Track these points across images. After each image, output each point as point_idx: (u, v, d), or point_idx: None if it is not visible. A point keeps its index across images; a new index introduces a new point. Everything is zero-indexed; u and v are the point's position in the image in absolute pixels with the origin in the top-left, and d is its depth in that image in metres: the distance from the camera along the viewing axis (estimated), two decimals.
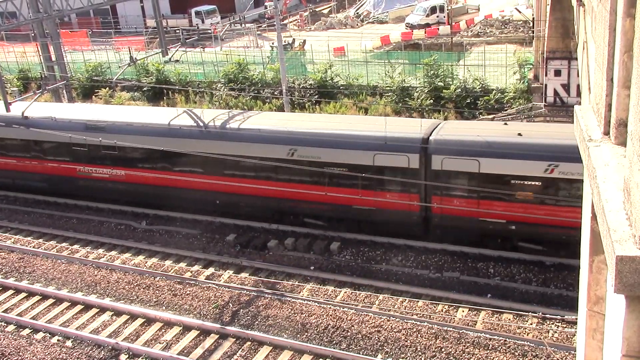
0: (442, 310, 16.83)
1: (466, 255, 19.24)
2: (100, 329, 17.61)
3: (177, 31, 46.95)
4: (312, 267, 19.72)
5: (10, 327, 18.07)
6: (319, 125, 21.47)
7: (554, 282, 17.71)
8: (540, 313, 15.97)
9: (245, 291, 18.54)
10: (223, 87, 37.31)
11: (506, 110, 30.43)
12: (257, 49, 46.47)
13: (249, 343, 16.32)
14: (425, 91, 32.45)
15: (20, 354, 16.72)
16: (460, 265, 18.89)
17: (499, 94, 31.29)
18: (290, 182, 20.86)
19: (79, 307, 18.71)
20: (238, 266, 20.23)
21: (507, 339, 15.32)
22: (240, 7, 63.57)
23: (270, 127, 21.20)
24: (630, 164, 4.10)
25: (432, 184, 18.58)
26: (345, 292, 18.01)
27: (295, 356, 15.69)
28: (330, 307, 17.26)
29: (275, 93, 35.22)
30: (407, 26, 50.45)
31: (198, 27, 51.63)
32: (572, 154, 17.09)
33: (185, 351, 16.29)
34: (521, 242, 18.74)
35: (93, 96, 40.68)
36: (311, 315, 17.00)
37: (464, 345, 15.27)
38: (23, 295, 19.66)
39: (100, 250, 21.98)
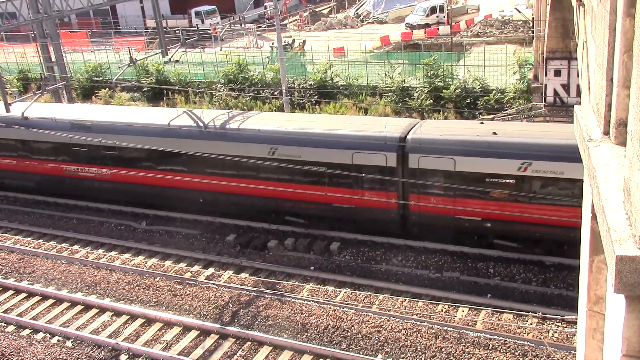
0: (442, 310, 16.84)
1: (466, 255, 19.25)
2: (100, 329, 17.61)
3: (177, 31, 46.83)
4: (312, 267, 19.73)
5: (11, 328, 18.07)
6: (299, 124, 21.64)
7: (554, 282, 17.73)
8: (540, 313, 15.98)
9: (245, 291, 18.54)
10: (223, 88, 37.28)
11: (506, 110, 30.41)
12: (257, 49, 46.43)
13: (249, 343, 16.32)
14: (425, 91, 32.44)
15: (21, 354, 16.72)
16: (460, 265, 18.89)
17: (499, 94, 31.27)
18: (271, 180, 21.05)
19: (79, 308, 18.71)
20: (238, 266, 20.24)
21: (507, 339, 15.32)
22: (240, 7, 63.54)
23: (251, 126, 21.46)
24: (630, 163, 4.10)
25: (409, 181, 18.76)
26: (345, 292, 18.02)
27: (295, 356, 15.69)
28: (330, 307, 17.26)
29: (275, 93, 35.20)
30: (407, 26, 50.44)
31: (198, 28, 51.62)
32: (545, 152, 17.32)
33: (185, 351, 16.29)
34: (496, 239, 18.88)
35: (93, 97, 40.68)
36: (311, 316, 17.00)
37: (464, 345, 15.27)
38: (23, 295, 19.66)
39: (100, 251, 21.98)
